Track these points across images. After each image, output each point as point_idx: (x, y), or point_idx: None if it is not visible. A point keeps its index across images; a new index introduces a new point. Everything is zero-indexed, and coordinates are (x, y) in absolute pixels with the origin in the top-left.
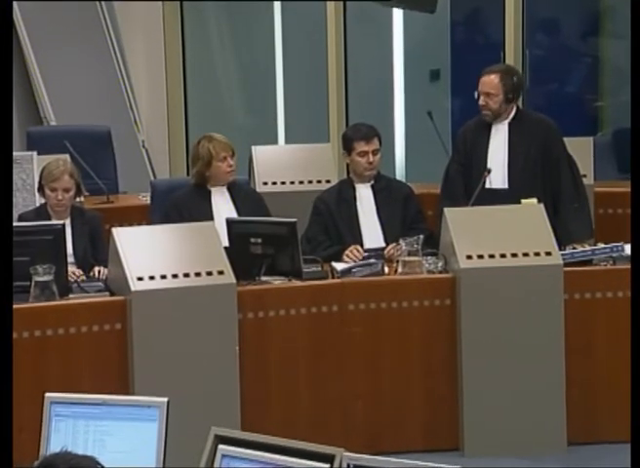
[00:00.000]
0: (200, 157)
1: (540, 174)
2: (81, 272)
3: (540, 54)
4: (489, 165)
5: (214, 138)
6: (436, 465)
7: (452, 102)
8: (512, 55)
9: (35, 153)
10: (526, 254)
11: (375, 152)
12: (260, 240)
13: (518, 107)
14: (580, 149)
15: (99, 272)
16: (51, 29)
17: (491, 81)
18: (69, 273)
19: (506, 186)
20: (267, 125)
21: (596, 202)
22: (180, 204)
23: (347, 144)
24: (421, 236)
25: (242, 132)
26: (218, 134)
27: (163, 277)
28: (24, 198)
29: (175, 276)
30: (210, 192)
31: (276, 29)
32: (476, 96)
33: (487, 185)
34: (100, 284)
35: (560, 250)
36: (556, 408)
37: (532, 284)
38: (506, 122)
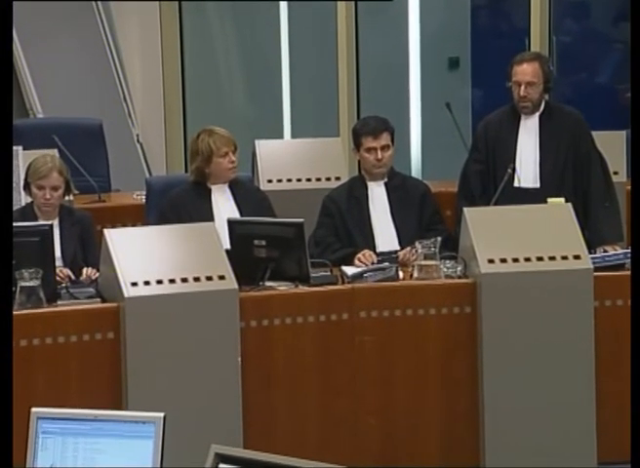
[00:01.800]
0: (199, 152)
1: (571, 171)
2: (69, 272)
3: (569, 40)
4: (517, 162)
5: (214, 132)
6: None
7: (472, 93)
8: (538, 42)
9: (21, 148)
10: (552, 258)
11: (384, 148)
12: (264, 242)
13: (546, 99)
14: (612, 144)
15: (87, 273)
16: (38, 17)
17: (533, 69)
18: (57, 273)
19: (538, 185)
20: (272, 117)
21: (629, 201)
22: (177, 203)
23: (356, 139)
24: (439, 238)
25: (244, 124)
26: (218, 127)
27: (159, 282)
28: None
29: (172, 281)
30: (210, 190)
31: (282, 14)
32: (509, 86)
33: (516, 184)
34: (92, 289)
35: (590, 253)
36: (586, 424)
37: (559, 290)
38: (537, 115)
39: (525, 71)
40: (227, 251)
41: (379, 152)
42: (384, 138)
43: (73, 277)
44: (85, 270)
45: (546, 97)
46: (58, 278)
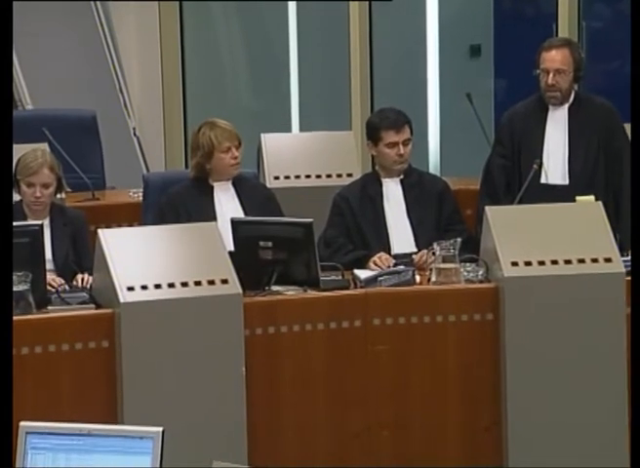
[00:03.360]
0: (200, 147)
1: (602, 167)
2: (62, 281)
3: (600, 26)
4: (544, 157)
5: (216, 125)
6: None
7: (495, 83)
8: (567, 27)
9: None
10: (582, 261)
11: (406, 142)
12: (270, 243)
13: (575, 89)
14: None
15: (82, 280)
16: (26, 3)
17: (563, 55)
18: (48, 282)
19: (566, 182)
20: (279, 109)
21: None
22: (177, 201)
23: (373, 133)
24: (459, 239)
25: (249, 117)
26: (221, 119)
27: (157, 286)
28: None
29: (171, 285)
30: (212, 188)
31: None
32: (537, 74)
33: (542, 180)
34: (84, 294)
35: (622, 255)
36: (618, 439)
37: (589, 295)
38: (566, 106)
39: (554, 58)
40: (231, 253)
41: (401, 147)
42: (406, 132)
43: (67, 286)
44: (78, 277)
45: (576, 86)
46: (49, 287)
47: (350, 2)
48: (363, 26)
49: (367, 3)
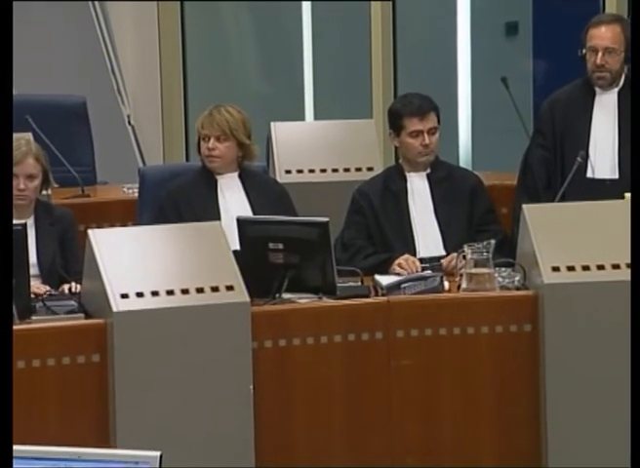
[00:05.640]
0: (197, 131)
1: None
2: (47, 287)
3: None
4: (591, 149)
5: (216, 111)
6: None
7: (534, 65)
8: (615, 3)
9: None
10: (630, 266)
11: (431, 131)
12: (281, 245)
13: (626, 72)
14: None
15: (69, 289)
16: None
17: (614, 33)
18: (32, 289)
19: (616, 176)
20: (291, 94)
21: None
22: (177, 197)
23: (396, 121)
24: (493, 241)
25: (257, 102)
26: (233, 107)
27: (154, 294)
28: None
29: (170, 293)
30: (216, 181)
31: None
32: (582, 54)
33: (588, 175)
34: (73, 302)
35: None
36: None
37: None
38: (615, 91)
39: (603, 35)
40: (236, 254)
41: (426, 136)
42: (432, 120)
43: (52, 294)
44: (65, 286)
45: (627, 69)
46: (33, 294)
47: None
48: (385, 4)
49: None
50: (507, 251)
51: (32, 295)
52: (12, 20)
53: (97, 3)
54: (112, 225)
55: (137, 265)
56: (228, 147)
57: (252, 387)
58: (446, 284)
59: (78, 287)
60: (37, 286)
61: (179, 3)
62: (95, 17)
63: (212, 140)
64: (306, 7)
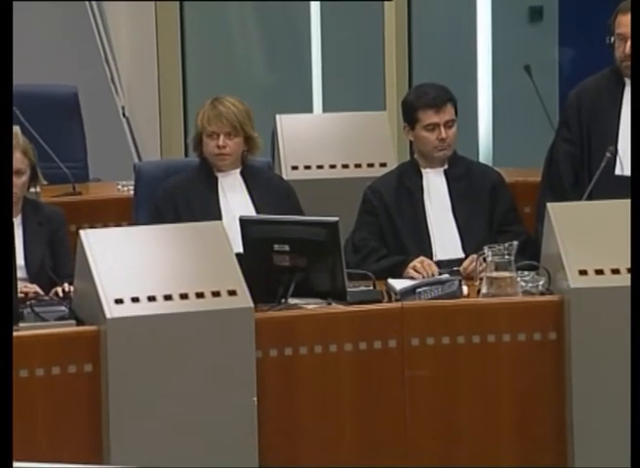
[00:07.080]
0: (195, 126)
1: None
2: (36, 287)
3: None
4: (620, 143)
5: (219, 103)
6: None
7: (559, 53)
8: None
9: None
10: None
11: (448, 124)
12: (287, 247)
13: None
14: None
15: (62, 290)
16: None
17: None
18: (20, 293)
19: None
20: (298, 85)
21: None
22: (175, 194)
23: (410, 114)
24: (515, 242)
25: (262, 93)
26: (234, 98)
27: (151, 299)
28: None
29: (167, 298)
30: (217, 179)
31: None
32: (611, 41)
33: (617, 171)
34: (63, 308)
35: None
36: None
37: None
38: None
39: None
40: (239, 257)
41: (442, 129)
42: (448, 112)
43: (42, 296)
44: (59, 288)
45: None
46: (21, 295)
47: None
48: None
49: None
50: (531, 253)
51: (21, 295)
52: (12, 21)
53: None
54: (106, 225)
55: (132, 268)
56: (237, 143)
57: (255, 399)
58: (464, 288)
59: (71, 288)
60: (25, 285)
61: None
62: (88, 5)
63: (222, 138)
64: None
